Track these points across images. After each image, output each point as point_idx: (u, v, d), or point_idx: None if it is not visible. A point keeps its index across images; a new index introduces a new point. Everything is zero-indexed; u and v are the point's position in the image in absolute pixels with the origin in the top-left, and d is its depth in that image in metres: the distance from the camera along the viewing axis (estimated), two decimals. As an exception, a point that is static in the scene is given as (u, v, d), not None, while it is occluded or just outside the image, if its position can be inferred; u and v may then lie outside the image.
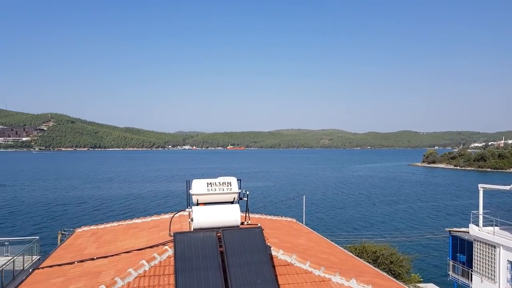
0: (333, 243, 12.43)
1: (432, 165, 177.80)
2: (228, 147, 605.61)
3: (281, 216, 14.78)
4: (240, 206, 8.73)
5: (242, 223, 8.72)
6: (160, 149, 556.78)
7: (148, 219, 13.27)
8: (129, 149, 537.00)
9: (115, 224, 13.59)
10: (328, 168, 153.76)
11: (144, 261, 7.82)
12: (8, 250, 19.13)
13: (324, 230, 40.01)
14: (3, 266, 15.61)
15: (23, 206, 49.49)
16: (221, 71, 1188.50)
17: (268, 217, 13.88)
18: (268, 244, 8.73)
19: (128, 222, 13.46)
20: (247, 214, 9.51)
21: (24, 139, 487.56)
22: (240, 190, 8.90)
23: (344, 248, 13.32)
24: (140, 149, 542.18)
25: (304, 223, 19.93)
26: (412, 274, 25.25)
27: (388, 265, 23.34)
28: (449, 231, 23.56)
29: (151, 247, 9.18)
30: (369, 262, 17.47)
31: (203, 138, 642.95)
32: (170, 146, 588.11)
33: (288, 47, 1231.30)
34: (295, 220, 14.67)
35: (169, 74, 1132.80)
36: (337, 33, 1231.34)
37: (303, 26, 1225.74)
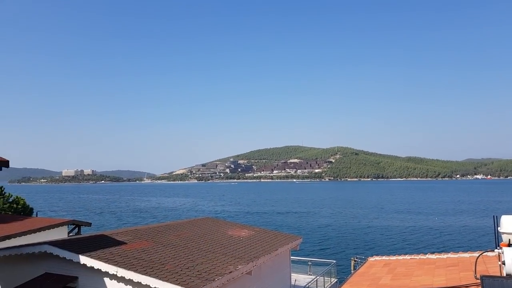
0: None
1: None
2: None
3: None
4: None
5: None
6: (446, 179, 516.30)
7: (444, 256, 12.30)
8: (411, 179, 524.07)
9: (407, 257, 13.28)
10: None
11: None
12: (311, 270, 21.95)
13: None
14: (309, 284, 17.94)
15: (325, 230, 55.73)
16: None
17: None
18: None
19: (421, 256, 12.89)
20: None
21: (316, 170, 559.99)
22: None
23: None
24: (424, 179, 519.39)
25: None
26: None
27: None
28: None
29: (453, 287, 8.37)
30: None
31: (499, 166, 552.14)
32: (458, 176, 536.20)
33: None
34: None
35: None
36: None
37: None
